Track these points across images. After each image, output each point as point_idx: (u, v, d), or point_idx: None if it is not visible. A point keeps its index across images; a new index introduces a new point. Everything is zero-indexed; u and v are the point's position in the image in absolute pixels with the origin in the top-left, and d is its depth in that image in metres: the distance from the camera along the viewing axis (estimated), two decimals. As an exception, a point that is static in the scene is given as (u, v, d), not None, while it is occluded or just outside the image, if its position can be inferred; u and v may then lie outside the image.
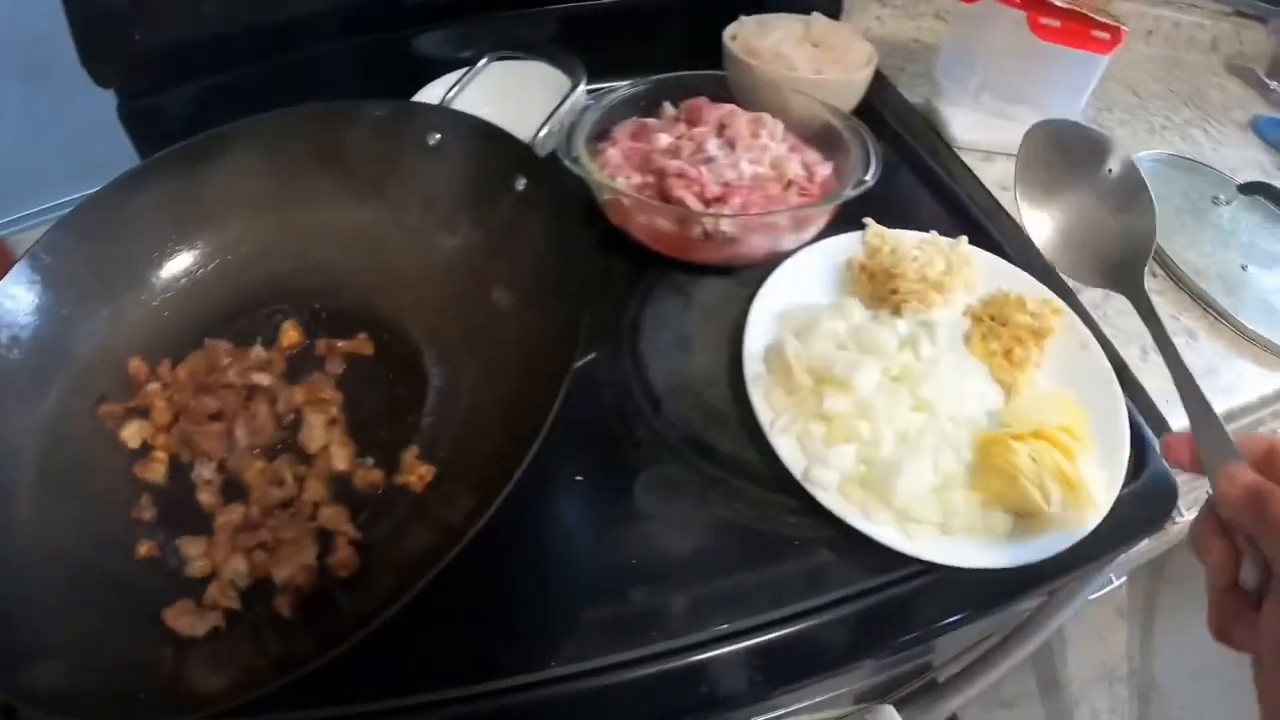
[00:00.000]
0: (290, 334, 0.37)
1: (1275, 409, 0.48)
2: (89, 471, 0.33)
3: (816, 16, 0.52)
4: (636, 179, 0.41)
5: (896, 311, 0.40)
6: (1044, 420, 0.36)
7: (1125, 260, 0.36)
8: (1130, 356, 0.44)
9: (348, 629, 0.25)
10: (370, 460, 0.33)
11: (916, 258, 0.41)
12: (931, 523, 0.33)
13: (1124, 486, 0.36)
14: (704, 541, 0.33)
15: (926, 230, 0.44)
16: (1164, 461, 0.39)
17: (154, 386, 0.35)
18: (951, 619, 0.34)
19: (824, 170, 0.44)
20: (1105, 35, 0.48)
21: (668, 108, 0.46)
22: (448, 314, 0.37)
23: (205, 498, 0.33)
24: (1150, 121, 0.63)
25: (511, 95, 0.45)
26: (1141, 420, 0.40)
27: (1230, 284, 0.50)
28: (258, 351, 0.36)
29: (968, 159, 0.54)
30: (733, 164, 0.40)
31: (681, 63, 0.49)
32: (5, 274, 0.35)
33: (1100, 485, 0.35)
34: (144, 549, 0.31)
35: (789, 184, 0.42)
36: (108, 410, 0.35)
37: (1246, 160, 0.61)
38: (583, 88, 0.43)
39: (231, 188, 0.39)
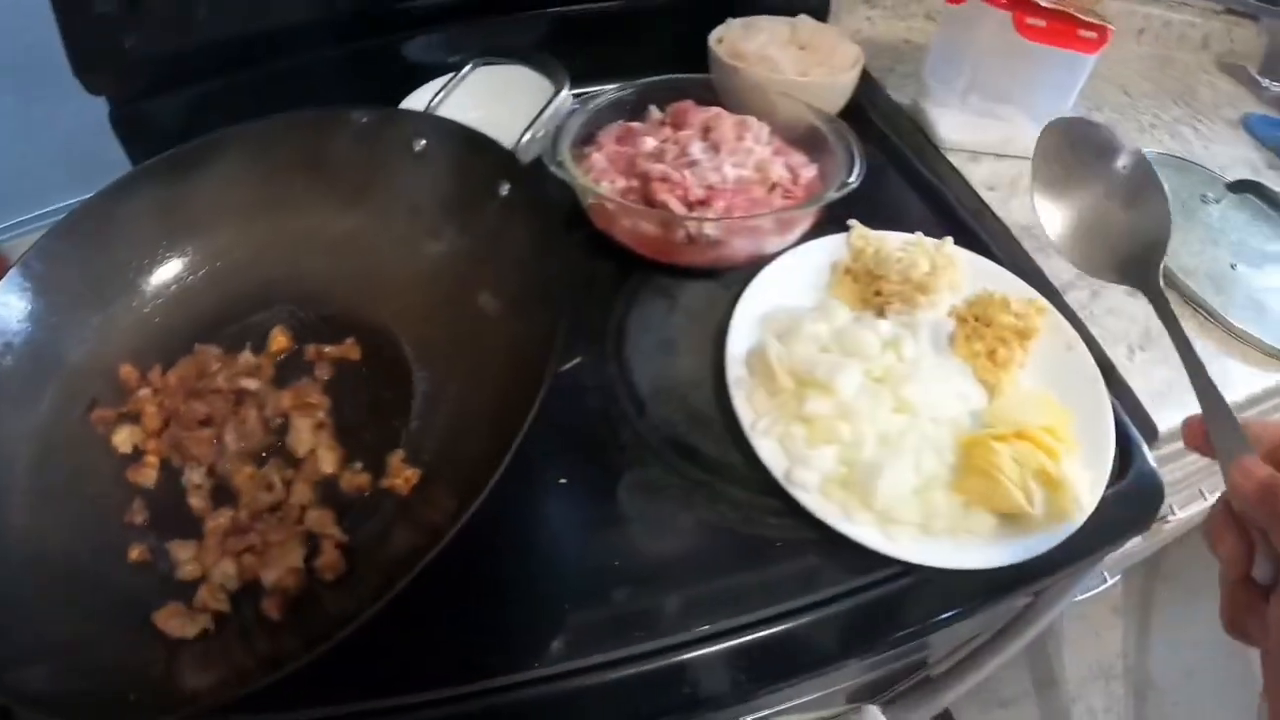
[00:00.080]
0: (279, 339, 0.38)
1: (1264, 408, 0.48)
2: (81, 476, 0.34)
3: (803, 19, 0.52)
4: (621, 183, 0.41)
5: (881, 313, 0.41)
6: (1027, 421, 0.36)
7: (1140, 255, 0.36)
8: (1117, 356, 0.44)
9: (333, 629, 0.25)
10: (358, 464, 0.34)
11: (901, 259, 0.42)
12: (913, 524, 0.33)
13: (1109, 487, 0.36)
14: (687, 543, 0.34)
15: (913, 231, 0.44)
16: (1152, 463, 0.39)
17: (145, 392, 0.36)
18: (933, 620, 0.34)
19: (809, 173, 0.44)
20: (1092, 35, 0.48)
21: (654, 111, 0.46)
22: (434, 319, 0.37)
23: (195, 502, 0.33)
24: (1139, 120, 0.63)
25: (499, 100, 0.46)
26: (1128, 420, 0.41)
27: (1219, 283, 0.50)
28: (247, 357, 0.37)
29: (955, 159, 0.54)
30: (716, 167, 0.41)
31: (669, 66, 0.49)
32: (-1, 281, 0.35)
33: (1084, 486, 0.35)
34: (135, 553, 0.32)
35: (773, 187, 0.42)
36: (100, 416, 0.35)
37: (1237, 158, 0.60)
38: (566, 93, 0.43)
39: (220, 195, 0.39)
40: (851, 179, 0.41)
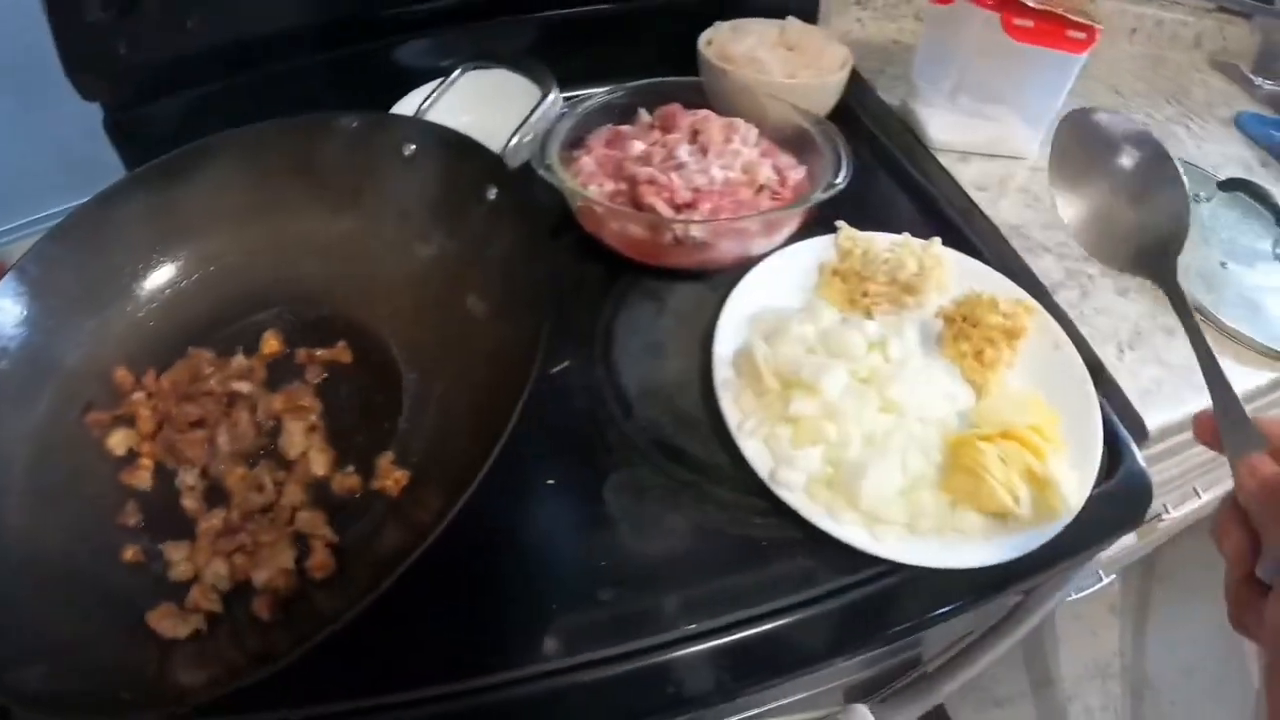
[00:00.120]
0: (271, 343, 0.38)
1: (1257, 406, 0.48)
2: (77, 478, 0.34)
3: (791, 21, 0.53)
4: (609, 186, 0.42)
5: (868, 314, 0.41)
6: (1013, 420, 0.36)
7: (1157, 247, 0.35)
8: (1107, 355, 0.44)
9: (321, 626, 0.25)
10: (349, 466, 0.34)
11: (888, 260, 0.42)
12: (899, 523, 0.34)
13: (1097, 486, 0.36)
14: (673, 543, 0.34)
15: (902, 232, 0.44)
16: (1140, 462, 0.39)
17: (139, 395, 0.36)
18: (920, 619, 0.34)
19: (797, 174, 0.44)
20: (1080, 35, 0.49)
21: (643, 114, 0.47)
22: (424, 322, 0.37)
23: (189, 503, 0.34)
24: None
25: (488, 105, 0.46)
26: (1116, 419, 0.41)
27: (1210, 281, 0.50)
28: (239, 360, 0.37)
29: (944, 160, 0.54)
30: (703, 169, 0.41)
31: (659, 70, 0.49)
32: (-5, 286, 0.36)
33: (1071, 485, 0.35)
34: (130, 553, 0.32)
35: (760, 189, 0.42)
36: (95, 419, 0.36)
37: (1230, 156, 0.60)
38: (552, 97, 0.44)
39: (212, 200, 0.40)
40: (838, 180, 0.41)
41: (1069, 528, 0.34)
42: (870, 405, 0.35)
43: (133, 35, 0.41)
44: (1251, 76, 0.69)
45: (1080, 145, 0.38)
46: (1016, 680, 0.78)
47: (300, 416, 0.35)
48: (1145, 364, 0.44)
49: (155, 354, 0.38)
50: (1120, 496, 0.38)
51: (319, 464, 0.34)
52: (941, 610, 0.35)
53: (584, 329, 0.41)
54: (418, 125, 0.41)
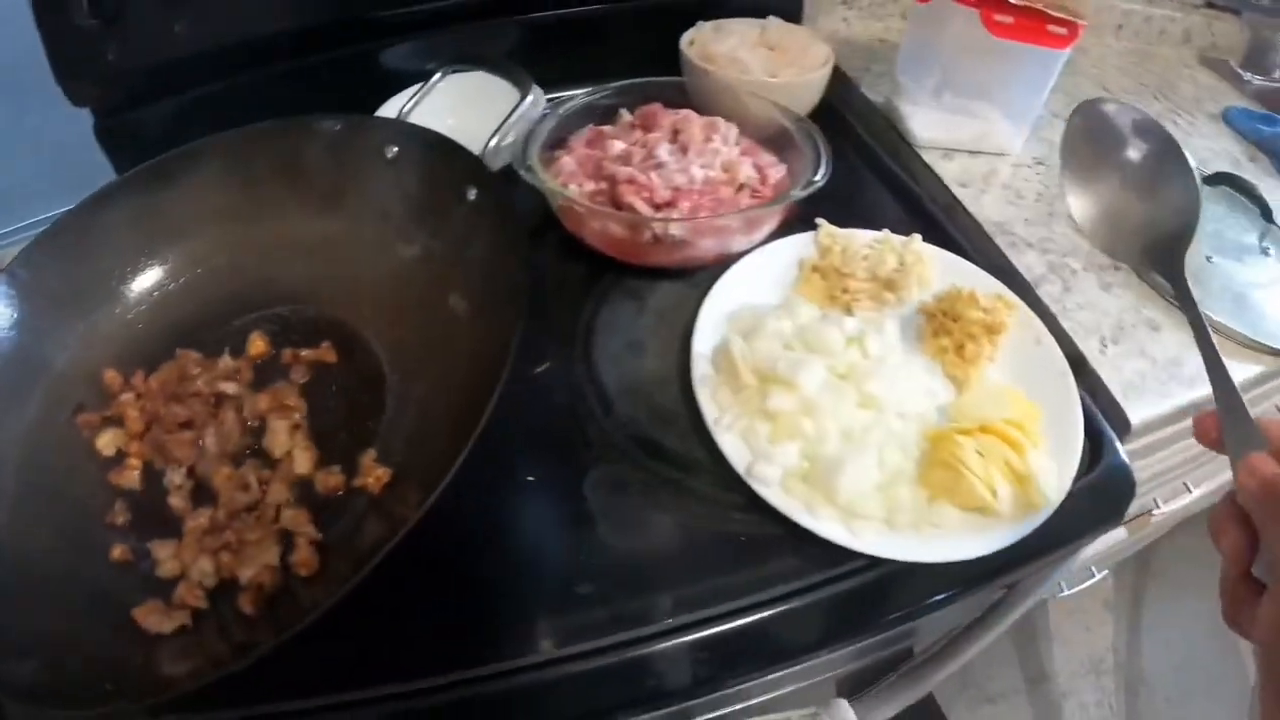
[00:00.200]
0: (257, 344, 0.38)
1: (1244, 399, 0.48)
2: (67, 479, 0.35)
3: (773, 20, 0.53)
4: (590, 186, 0.42)
5: (848, 310, 0.41)
6: (992, 415, 0.36)
7: (1165, 241, 0.35)
8: (1089, 349, 0.44)
9: (302, 619, 0.26)
10: (332, 464, 0.34)
11: (867, 256, 0.42)
12: (876, 518, 0.34)
13: (1078, 480, 0.36)
14: (652, 538, 0.34)
15: (886, 229, 0.45)
16: (1123, 456, 0.39)
17: (128, 396, 0.37)
18: (899, 614, 0.35)
19: (777, 172, 0.44)
20: (1062, 30, 0.49)
21: (624, 114, 0.47)
22: (406, 321, 0.38)
23: (176, 502, 0.34)
24: (1118, 114, 0.63)
25: (471, 107, 0.47)
26: (1098, 413, 0.41)
27: (1196, 275, 0.49)
28: (226, 361, 0.38)
29: (928, 156, 0.54)
30: (683, 168, 0.41)
31: (643, 70, 0.50)
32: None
33: (1051, 479, 0.35)
34: (118, 552, 0.33)
35: (741, 187, 0.43)
36: (84, 420, 0.36)
37: (1218, 151, 0.61)
38: (531, 98, 0.44)
39: (198, 203, 0.40)
40: (818, 177, 0.41)
41: (1050, 522, 0.34)
42: (848, 401, 0.36)
43: (121, 41, 0.42)
44: (1241, 72, 0.69)
45: (1090, 138, 0.38)
46: (1010, 677, 0.78)
47: (285, 416, 0.36)
48: (1129, 358, 0.44)
49: (144, 355, 0.38)
50: (1102, 490, 0.38)
51: (303, 463, 0.34)
52: (921, 605, 0.35)
53: (565, 328, 0.41)
54: (400, 127, 0.42)
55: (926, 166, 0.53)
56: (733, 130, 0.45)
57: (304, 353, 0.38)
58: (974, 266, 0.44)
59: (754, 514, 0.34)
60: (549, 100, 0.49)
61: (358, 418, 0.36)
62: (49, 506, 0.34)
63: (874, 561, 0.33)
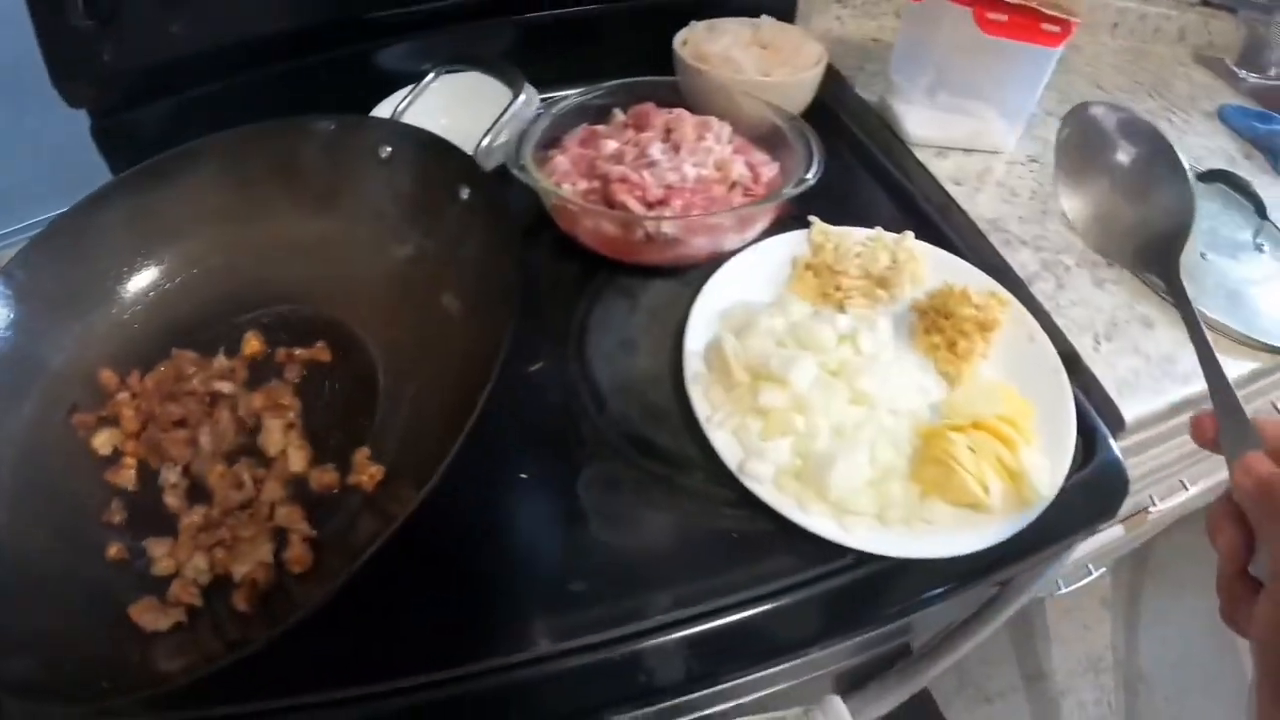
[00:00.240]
0: (252, 343, 0.39)
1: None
2: (63, 478, 0.35)
3: (766, 19, 0.53)
4: (583, 185, 0.42)
5: (841, 308, 0.41)
6: (985, 411, 0.36)
7: (1160, 243, 0.35)
8: (1083, 346, 0.44)
9: (295, 613, 0.26)
10: (326, 462, 0.35)
11: (860, 254, 0.42)
12: (868, 514, 0.34)
13: (1071, 476, 0.36)
14: (645, 535, 0.34)
15: (882, 227, 0.45)
16: (1116, 452, 0.39)
17: (123, 396, 0.37)
18: (892, 610, 0.35)
19: (770, 171, 0.45)
20: (1055, 28, 0.49)
21: (618, 114, 0.47)
22: (400, 321, 0.38)
23: (171, 501, 0.34)
24: (1112, 112, 0.63)
25: (466, 107, 0.47)
26: (1092, 410, 0.41)
27: (1190, 272, 0.49)
28: (221, 361, 0.38)
29: (922, 155, 0.54)
30: (675, 167, 0.41)
31: (638, 70, 0.50)
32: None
33: (1043, 475, 0.35)
34: (114, 550, 0.33)
35: (733, 185, 0.43)
36: (80, 419, 0.36)
37: (1213, 149, 0.61)
38: (524, 97, 0.44)
39: (193, 204, 0.41)
40: (809, 175, 0.41)
41: (1043, 518, 0.34)
42: (839, 397, 0.36)
43: (117, 42, 0.42)
44: (1236, 70, 0.69)
45: (1085, 142, 0.38)
46: (1008, 675, 0.78)
47: (279, 414, 0.36)
48: (1123, 355, 0.44)
49: (139, 355, 0.38)
50: (1095, 487, 0.38)
51: (297, 461, 0.35)
52: (914, 601, 0.35)
53: (559, 327, 0.41)
54: (393, 127, 0.42)
55: (920, 165, 0.53)
56: (725, 129, 0.45)
57: (298, 352, 0.38)
58: (967, 264, 0.44)
59: (746, 510, 0.34)
60: (543, 100, 0.49)
61: (351, 416, 0.36)
62: (46, 505, 0.34)
63: (866, 558, 0.33)
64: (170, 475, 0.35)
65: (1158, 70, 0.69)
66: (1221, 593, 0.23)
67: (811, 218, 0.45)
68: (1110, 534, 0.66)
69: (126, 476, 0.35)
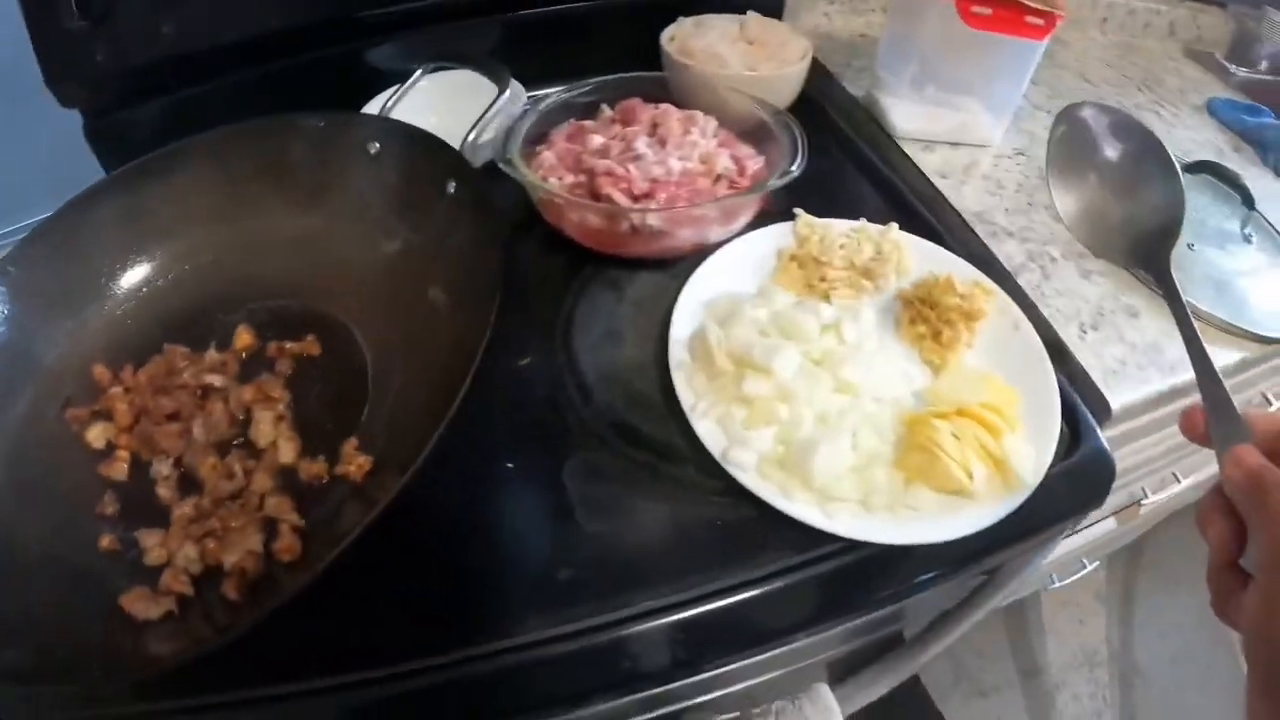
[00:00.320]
0: (243, 337, 0.39)
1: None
2: (57, 471, 0.35)
3: (752, 15, 0.54)
4: (569, 179, 0.43)
5: (826, 299, 0.41)
6: (969, 399, 0.36)
7: (1150, 240, 0.36)
8: (1069, 335, 0.44)
9: (280, 600, 0.26)
10: (316, 453, 0.35)
11: (844, 245, 0.42)
12: (851, 501, 0.34)
13: (1057, 464, 0.36)
14: (630, 523, 0.35)
15: (869, 219, 0.45)
16: (1102, 440, 0.40)
17: (116, 390, 0.38)
18: (877, 597, 0.35)
19: (755, 164, 0.45)
20: (1039, 21, 0.49)
21: (604, 109, 0.48)
22: (388, 314, 0.39)
23: (163, 492, 0.35)
24: (1100, 106, 0.63)
25: (454, 104, 0.47)
26: (1077, 398, 0.41)
27: (1178, 262, 0.48)
28: (212, 354, 0.38)
29: (909, 149, 0.55)
30: (661, 161, 0.42)
31: (626, 66, 0.50)
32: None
33: (1027, 462, 0.35)
34: (106, 541, 0.33)
35: (719, 178, 0.43)
36: (74, 414, 0.37)
37: (1202, 142, 0.61)
38: (509, 93, 0.45)
39: (184, 201, 0.41)
40: (794, 168, 0.42)
41: (1029, 505, 0.34)
42: (823, 386, 0.36)
43: (109, 43, 0.43)
44: (1226, 64, 0.70)
45: (1077, 140, 0.38)
46: (1003, 670, 0.78)
47: (269, 407, 0.36)
48: (1109, 344, 0.44)
49: (132, 350, 0.39)
50: (1081, 474, 0.38)
51: (287, 452, 0.35)
52: (899, 588, 0.35)
53: (546, 319, 0.42)
54: (381, 124, 0.42)
55: (907, 158, 0.54)
56: (711, 123, 0.46)
57: (289, 345, 0.39)
58: (952, 255, 0.45)
59: (730, 498, 0.34)
60: (531, 96, 0.49)
61: (340, 408, 0.36)
62: (39, 498, 0.34)
63: (851, 545, 0.33)
64: (162, 467, 0.35)
65: (1147, 65, 0.69)
66: (1212, 585, 0.23)
67: (797, 210, 0.45)
68: (1103, 527, 0.66)
69: (119, 469, 0.36)
